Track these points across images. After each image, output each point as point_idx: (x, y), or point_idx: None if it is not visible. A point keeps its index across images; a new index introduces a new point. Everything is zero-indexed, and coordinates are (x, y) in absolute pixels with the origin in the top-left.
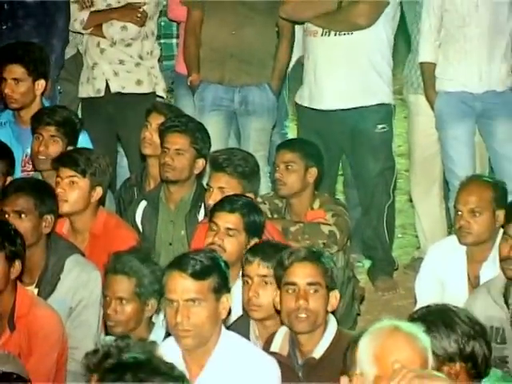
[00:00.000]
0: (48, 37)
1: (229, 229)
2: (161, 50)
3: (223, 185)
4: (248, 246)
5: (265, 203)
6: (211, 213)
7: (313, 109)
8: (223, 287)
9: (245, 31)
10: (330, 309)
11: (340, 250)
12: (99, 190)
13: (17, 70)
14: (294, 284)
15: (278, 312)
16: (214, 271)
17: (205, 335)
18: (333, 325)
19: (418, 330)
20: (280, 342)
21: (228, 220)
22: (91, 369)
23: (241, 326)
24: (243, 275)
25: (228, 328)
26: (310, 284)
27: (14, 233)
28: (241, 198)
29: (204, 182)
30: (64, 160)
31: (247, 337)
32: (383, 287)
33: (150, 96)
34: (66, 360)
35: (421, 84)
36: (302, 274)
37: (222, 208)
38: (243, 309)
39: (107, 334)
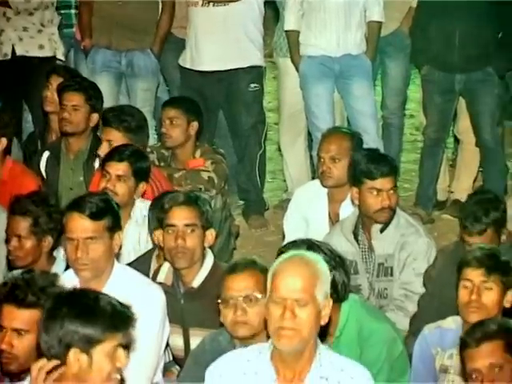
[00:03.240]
0: None
1: (119, 176)
2: (61, 19)
3: (111, 138)
4: (136, 190)
5: (153, 153)
6: (103, 162)
7: (194, 70)
8: (116, 226)
9: (129, 3)
10: (206, 245)
11: (218, 193)
12: (4, 141)
13: None
14: (173, 225)
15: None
16: (108, 212)
17: (101, 268)
18: (210, 258)
19: (316, 257)
20: (165, 274)
21: (118, 168)
22: (1, 298)
23: (142, 263)
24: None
25: (131, 263)
26: (187, 225)
27: None
28: (128, 148)
29: None
30: None
31: (147, 271)
32: (256, 225)
33: (51, 59)
34: None
35: (288, 49)
36: (179, 216)
37: (112, 158)
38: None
39: (10, 268)
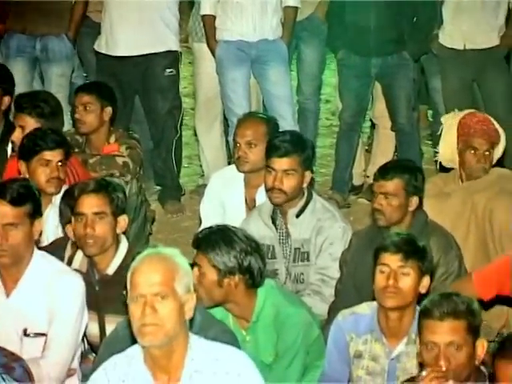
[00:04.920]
0: None
1: (60, 161)
2: None
3: (23, 124)
4: None
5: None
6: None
7: (109, 55)
8: (36, 212)
9: None
10: (119, 231)
11: (133, 178)
12: None
13: None
14: (82, 214)
15: None
16: (28, 198)
17: (20, 254)
18: (124, 245)
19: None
20: (80, 261)
21: (55, 155)
22: None
23: (57, 249)
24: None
25: (47, 246)
26: (95, 213)
27: None
28: (57, 133)
29: None
30: None
31: (62, 257)
32: (172, 210)
33: None
34: None
35: (204, 34)
36: (88, 204)
37: (49, 147)
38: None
39: None
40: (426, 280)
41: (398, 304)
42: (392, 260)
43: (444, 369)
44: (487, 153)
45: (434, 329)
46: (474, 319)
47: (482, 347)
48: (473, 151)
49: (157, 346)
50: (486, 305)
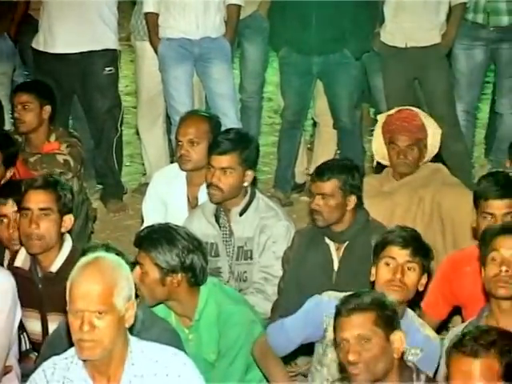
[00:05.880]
0: None
1: None
2: None
3: None
4: (6, 175)
5: None
6: None
7: (48, 53)
8: None
9: None
10: (63, 230)
11: (74, 177)
12: None
13: None
14: (27, 209)
15: None
16: None
17: None
18: (68, 243)
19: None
20: (23, 259)
21: None
22: None
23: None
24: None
25: None
26: (41, 209)
27: None
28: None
29: None
30: None
31: (2, 255)
32: (114, 209)
33: None
34: None
35: (146, 32)
36: (34, 200)
37: None
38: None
39: None
40: (424, 278)
41: (402, 298)
42: (400, 254)
43: (353, 361)
44: (410, 149)
45: (342, 325)
46: (383, 311)
47: (399, 340)
48: (394, 147)
49: (94, 359)
50: None
